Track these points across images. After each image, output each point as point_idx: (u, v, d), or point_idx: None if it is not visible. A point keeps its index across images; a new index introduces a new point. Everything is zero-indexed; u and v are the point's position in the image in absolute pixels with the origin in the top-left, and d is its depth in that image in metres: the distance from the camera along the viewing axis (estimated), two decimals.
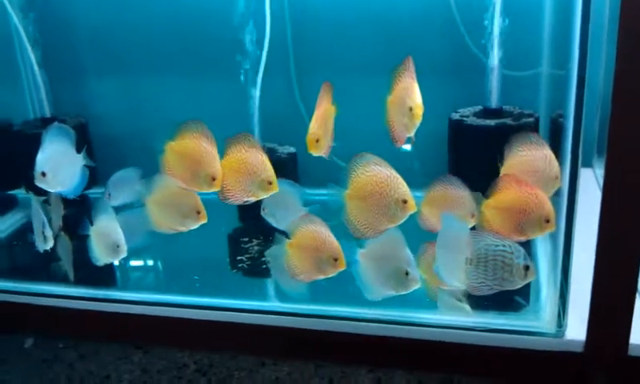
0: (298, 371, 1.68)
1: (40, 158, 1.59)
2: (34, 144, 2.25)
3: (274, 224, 1.66)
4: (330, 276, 1.49)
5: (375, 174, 1.41)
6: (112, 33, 2.31)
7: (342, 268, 1.47)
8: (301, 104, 2.24)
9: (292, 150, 2.12)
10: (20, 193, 2.30)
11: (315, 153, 1.50)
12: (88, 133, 2.27)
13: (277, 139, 2.19)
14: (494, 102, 1.96)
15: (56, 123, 1.63)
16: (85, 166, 1.63)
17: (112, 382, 1.70)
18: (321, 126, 1.50)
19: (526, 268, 1.32)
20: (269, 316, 1.67)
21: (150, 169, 1.96)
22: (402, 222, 1.43)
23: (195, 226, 1.54)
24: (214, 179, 1.46)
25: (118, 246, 1.60)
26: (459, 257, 1.36)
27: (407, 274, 1.42)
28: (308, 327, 1.64)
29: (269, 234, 1.62)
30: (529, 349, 1.51)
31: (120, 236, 1.60)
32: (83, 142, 2.25)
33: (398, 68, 1.47)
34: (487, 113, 1.97)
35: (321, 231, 1.47)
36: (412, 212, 1.42)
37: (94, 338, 1.83)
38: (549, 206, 1.38)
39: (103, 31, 2.33)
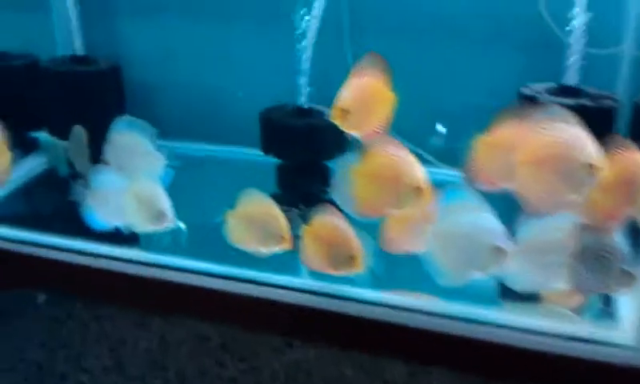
0: (327, 356, 1.52)
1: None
2: (62, 83, 2.15)
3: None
4: (346, 275, 1.36)
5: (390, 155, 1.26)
6: None
7: (359, 269, 1.34)
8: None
9: None
10: (42, 135, 2.13)
11: (340, 125, 1.34)
12: (121, 78, 2.09)
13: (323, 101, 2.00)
14: (570, 80, 1.77)
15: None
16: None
17: (127, 348, 1.56)
18: (354, 98, 1.33)
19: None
20: (301, 294, 1.48)
21: (180, 124, 1.81)
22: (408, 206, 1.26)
23: (277, 251, 1.42)
24: (283, 239, 1.39)
25: (163, 214, 1.44)
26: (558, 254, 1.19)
27: (498, 249, 1.21)
28: (345, 311, 1.44)
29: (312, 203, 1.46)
30: (605, 361, 1.32)
31: (166, 201, 1.44)
32: (116, 86, 2.16)
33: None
34: (563, 91, 1.77)
35: (339, 224, 1.34)
36: (426, 200, 1.26)
37: (111, 300, 1.67)
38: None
39: None
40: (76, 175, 1.89)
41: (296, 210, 1.58)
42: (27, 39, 2.14)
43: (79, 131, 1.92)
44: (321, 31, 1.92)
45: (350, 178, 1.30)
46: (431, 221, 1.25)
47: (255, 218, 1.41)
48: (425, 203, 1.24)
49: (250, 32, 2.12)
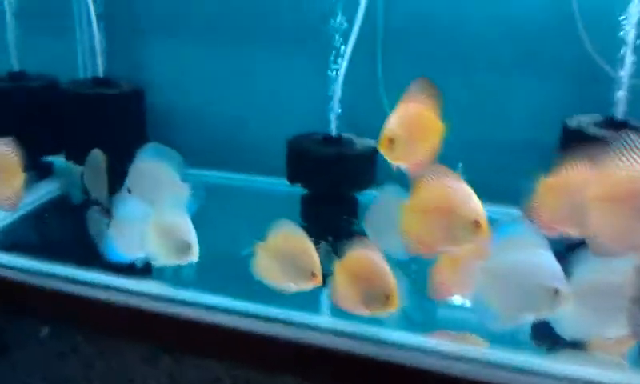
0: None
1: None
2: (81, 106, 2.07)
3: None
4: (379, 316, 1.25)
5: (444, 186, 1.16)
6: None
7: (393, 309, 1.23)
8: (383, 93, 1.96)
9: (372, 143, 1.83)
10: (58, 160, 2.06)
11: (387, 155, 1.25)
12: (144, 102, 2.01)
13: (352, 129, 1.93)
14: (619, 113, 1.67)
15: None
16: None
17: None
18: (404, 127, 1.23)
19: None
20: (320, 335, 1.36)
21: (204, 152, 1.72)
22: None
23: (307, 288, 1.32)
24: (314, 276, 1.30)
25: (189, 247, 1.33)
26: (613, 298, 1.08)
27: (556, 291, 1.10)
28: (366, 354, 1.32)
29: (340, 236, 1.38)
30: None
31: (192, 233, 1.33)
32: (138, 111, 2.09)
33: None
34: (610, 124, 1.67)
35: (375, 259, 1.25)
36: (484, 238, 1.15)
37: (118, 335, 1.56)
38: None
39: None
40: (91, 202, 1.82)
41: (326, 244, 1.48)
42: (48, 60, 2.09)
43: (97, 156, 1.84)
44: (352, 58, 1.86)
45: (399, 213, 1.20)
46: (482, 258, 1.14)
47: (285, 252, 1.31)
48: (482, 239, 1.13)
49: (277, 57, 2.05)
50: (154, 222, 1.36)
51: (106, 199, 1.80)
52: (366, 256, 1.26)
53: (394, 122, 1.24)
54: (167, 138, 1.86)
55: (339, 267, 1.29)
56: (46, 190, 1.95)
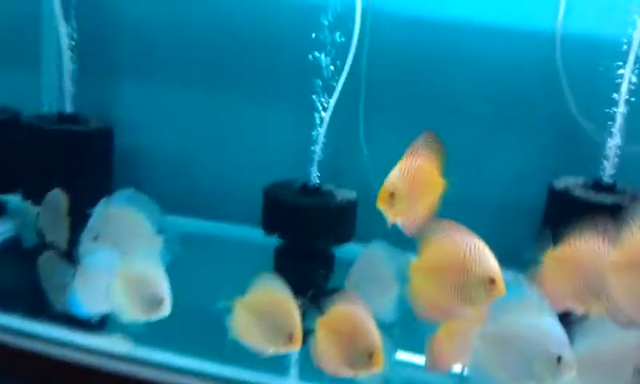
0: None
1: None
2: (45, 142, 1.92)
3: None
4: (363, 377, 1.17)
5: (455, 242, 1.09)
6: (158, 31, 1.98)
7: (378, 369, 1.15)
8: (364, 145, 1.90)
9: (352, 195, 1.76)
10: (14, 200, 1.90)
11: (385, 210, 1.18)
12: (112, 141, 1.89)
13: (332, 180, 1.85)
14: (606, 176, 1.65)
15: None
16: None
17: None
18: (405, 181, 1.18)
19: None
20: None
21: (175, 197, 1.62)
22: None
23: (284, 352, 1.22)
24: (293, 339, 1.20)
25: (160, 301, 1.21)
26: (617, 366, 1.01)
27: (559, 359, 1.02)
28: None
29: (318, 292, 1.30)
30: None
31: (165, 286, 1.21)
32: (106, 150, 1.95)
33: None
34: (598, 187, 1.64)
35: (359, 314, 1.17)
36: (499, 296, 1.08)
37: None
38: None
39: (149, 27, 1.99)
40: (46, 246, 1.68)
41: (306, 299, 1.37)
42: (10, 93, 1.95)
43: (57, 196, 1.70)
44: (334, 107, 1.80)
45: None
46: (480, 322, 1.06)
47: (265, 310, 1.20)
48: (498, 298, 1.05)
49: (254, 102, 1.97)
50: (123, 272, 1.23)
51: (64, 243, 1.67)
52: (349, 311, 1.18)
53: (395, 176, 1.17)
54: (135, 182, 1.74)
55: (321, 324, 1.20)
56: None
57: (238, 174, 1.97)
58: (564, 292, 1.14)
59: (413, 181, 1.17)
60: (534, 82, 1.83)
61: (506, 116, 1.86)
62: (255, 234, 1.80)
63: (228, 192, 1.96)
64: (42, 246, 1.66)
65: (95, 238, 1.33)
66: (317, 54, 1.75)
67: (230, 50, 1.95)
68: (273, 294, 1.21)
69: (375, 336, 1.15)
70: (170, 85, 2.01)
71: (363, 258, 1.33)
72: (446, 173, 1.79)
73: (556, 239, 1.60)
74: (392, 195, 1.16)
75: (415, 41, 1.87)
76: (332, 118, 1.80)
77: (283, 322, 1.19)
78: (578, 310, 1.13)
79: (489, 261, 1.08)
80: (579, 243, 1.13)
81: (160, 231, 1.33)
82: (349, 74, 1.80)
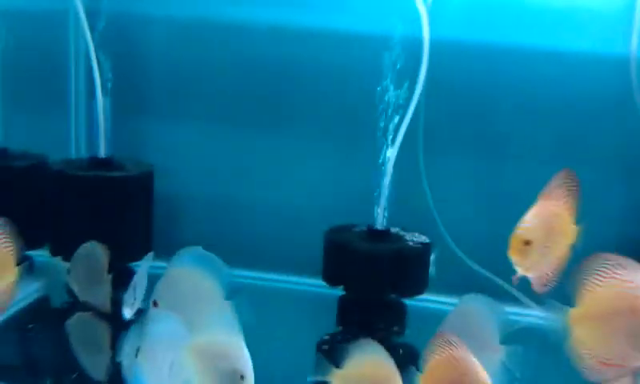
0: None
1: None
2: (78, 191, 1.66)
3: None
4: None
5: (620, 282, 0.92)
6: (199, 72, 1.81)
7: None
8: (426, 186, 1.74)
9: (423, 239, 1.57)
10: (41, 255, 1.70)
11: (518, 262, 1.05)
12: (152, 186, 1.69)
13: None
14: None
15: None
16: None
17: None
18: (540, 229, 1.05)
19: None
20: None
21: (223, 248, 1.42)
22: None
23: None
24: None
25: (242, 377, 1.00)
26: None
27: None
28: None
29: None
30: None
31: (247, 359, 1.01)
32: (146, 196, 1.73)
33: None
34: None
35: (466, 357, 1.00)
36: None
37: None
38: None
39: (189, 67, 1.83)
40: (79, 307, 1.49)
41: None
42: (33, 136, 1.79)
43: (94, 250, 1.52)
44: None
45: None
46: None
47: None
48: None
49: (306, 141, 1.82)
50: (197, 344, 1.03)
51: (107, 304, 1.47)
52: (454, 357, 1.00)
53: (530, 222, 1.03)
54: (174, 233, 1.57)
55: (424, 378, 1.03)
56: (25, 292, 1.58)
57: (291, 219, 1.80)
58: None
59: (549, 228, 1.04)
60: (603, 104, 1.68)
61: (569, 147, 1.71)
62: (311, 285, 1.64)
63: (280, 239, 1.79)
64: (75, 306, 1.51)
65: (154, 303, 1.17)
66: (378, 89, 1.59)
67: (279, 89, 1.80)
68: (374, 366, 1.03)
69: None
70: (212, 124, 1.84)
71: (457, 312, 1.16)
72: (506, 208, 1.67)
73: None
74: (527, 244, 1.00)
75: (475, 71, 1.73)
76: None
77: None
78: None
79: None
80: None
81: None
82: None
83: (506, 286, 1.59)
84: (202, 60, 1.81)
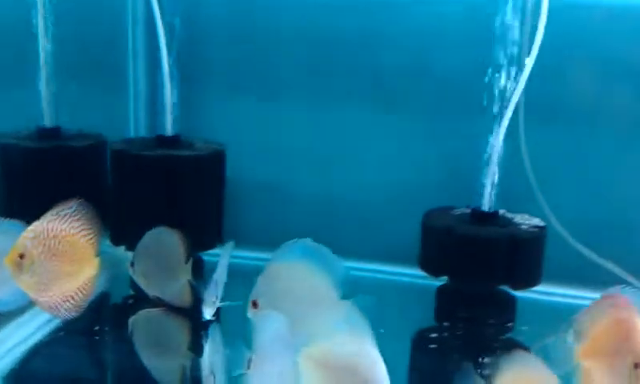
0: None
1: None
2: (143, 172, 1.48)
3: None
4: None
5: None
6: (274, 42, 1.64)
7: None
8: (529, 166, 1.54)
9: (538, 222, 1.39)
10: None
11: None
12: (224, 166, 1.52)
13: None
14: None
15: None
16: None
17: None
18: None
19: None
20: None
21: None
22: None
23: None
24: None
25: None
26: None
27: None
28: None
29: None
30: None
31: (382, 371, 0.83)
32: (219, 177, 1.54)
33: None
34: None
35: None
36: None
37: None
38: None
39: (263, 39, 1.64)
40: (148, 303, 1.32)
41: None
42: (88, 115, 1.59)
43: (164, 237, 1.34)
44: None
45: None
46: None
47: None
48: None
49: (395, 117, 1.62)
50: (316, 352, 0.86)
51: (187, 299, 1.29)
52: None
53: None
54: (247, 217, 1.39)
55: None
56: None
57: (376, 203, 1.62)
58: None
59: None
60: None
61: None
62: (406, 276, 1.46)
63: (370, 223, 1.61)
64: (139, 302, 1.34)
65: (254, 304, 1.02)
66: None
67: (370, 66, 1.63)
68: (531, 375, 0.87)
69: None
70: (288, 101, 1.66)
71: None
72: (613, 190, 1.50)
73: None
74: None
75: (569, 46, 1.55)
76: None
77: None
78: None
79: None
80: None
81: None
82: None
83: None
84: (273, 31, 1.64)
